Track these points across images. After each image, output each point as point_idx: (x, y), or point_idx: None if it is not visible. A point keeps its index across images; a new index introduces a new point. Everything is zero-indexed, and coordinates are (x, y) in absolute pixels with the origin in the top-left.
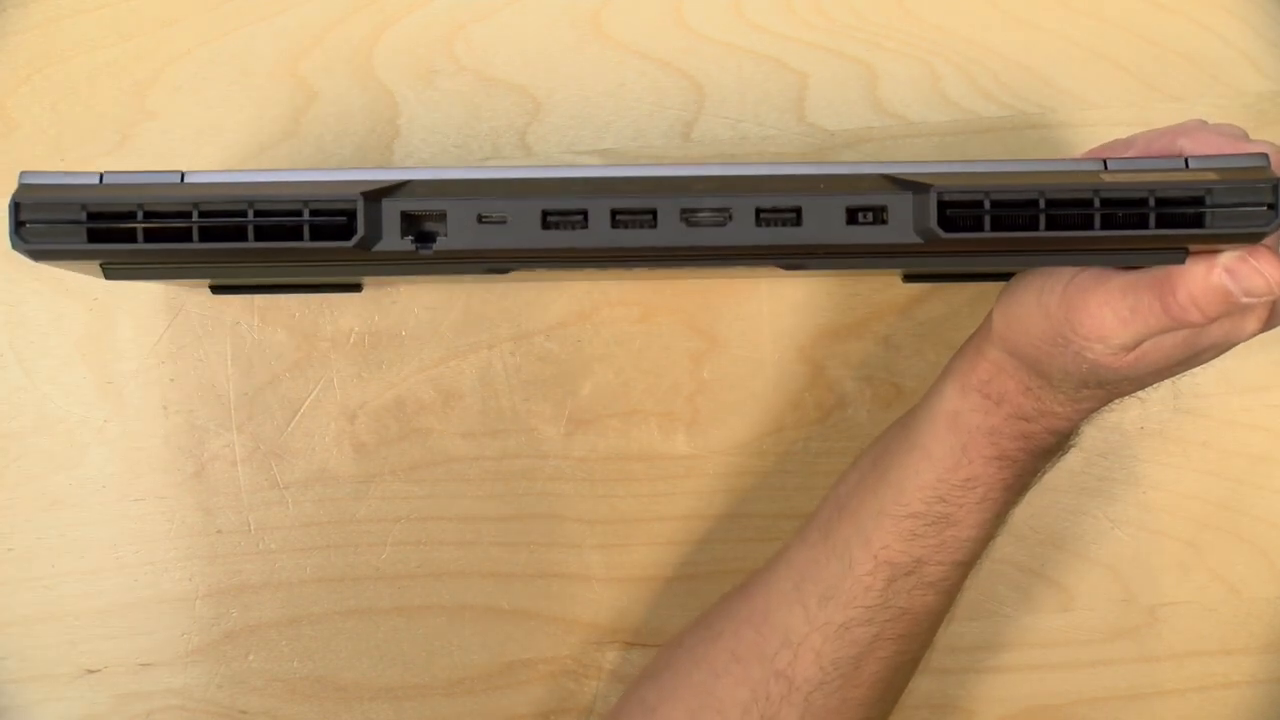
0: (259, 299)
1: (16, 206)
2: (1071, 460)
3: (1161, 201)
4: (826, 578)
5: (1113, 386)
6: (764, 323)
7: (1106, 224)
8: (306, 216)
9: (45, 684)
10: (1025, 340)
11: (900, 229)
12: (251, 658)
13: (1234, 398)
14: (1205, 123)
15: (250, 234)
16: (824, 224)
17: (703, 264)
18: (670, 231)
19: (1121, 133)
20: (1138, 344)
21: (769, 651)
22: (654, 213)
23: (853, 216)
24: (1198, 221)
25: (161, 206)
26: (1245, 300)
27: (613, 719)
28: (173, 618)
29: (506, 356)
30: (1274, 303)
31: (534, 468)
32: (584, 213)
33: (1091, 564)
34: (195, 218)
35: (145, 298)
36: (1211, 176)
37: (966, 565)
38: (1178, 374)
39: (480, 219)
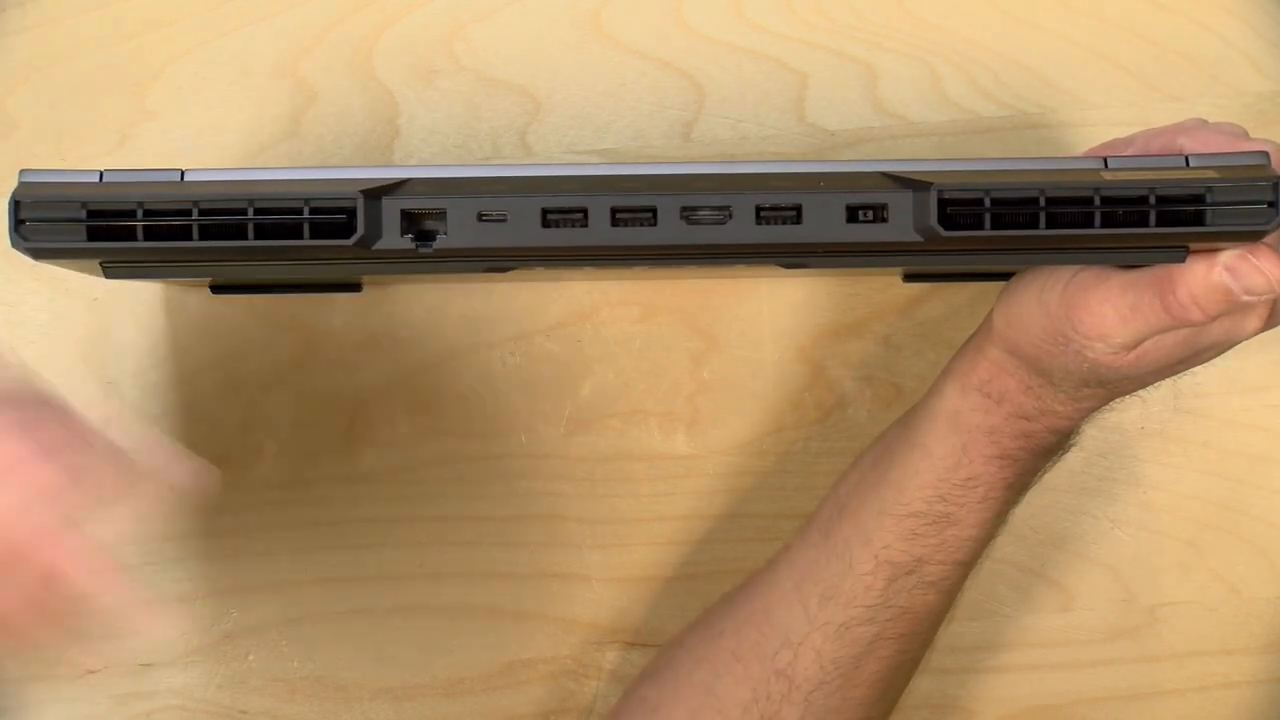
0: (259, 299)
1: (16, 204)
2: (1072, 460)
3: (1162, 199)
4: (827, 577)
5: (1114, 385)
6: (764, 323)
7: (1107, 222)
8: (306, 214)
9: (45, 684)
10: (1026, 339)
11: (900, 227)
12: (251, 658)
13: (1234, 398)
14: (1205, 121)
15: (250, 232)
16: (824, 222)
17: (703, 262)
18: (670, 229)
19: (1121, 133)
20: (1138, 342)
21: (770, 651)
22: (654, 211)
23: (853, 214)
24: (1198, 220)
25: (161, 204)
26: (1246, 298)
27: (613, 718)
28: (173, 618)
29: (506, 356)
30: (1275, 301)
31: (534, 468)
32: (584, 211)
33: (1092, 564)
34: (195, 215)
35: (145, 298)
36: (1212, 174)
37: (967, 565)
38: (1179, 373)
39: (480, 217)
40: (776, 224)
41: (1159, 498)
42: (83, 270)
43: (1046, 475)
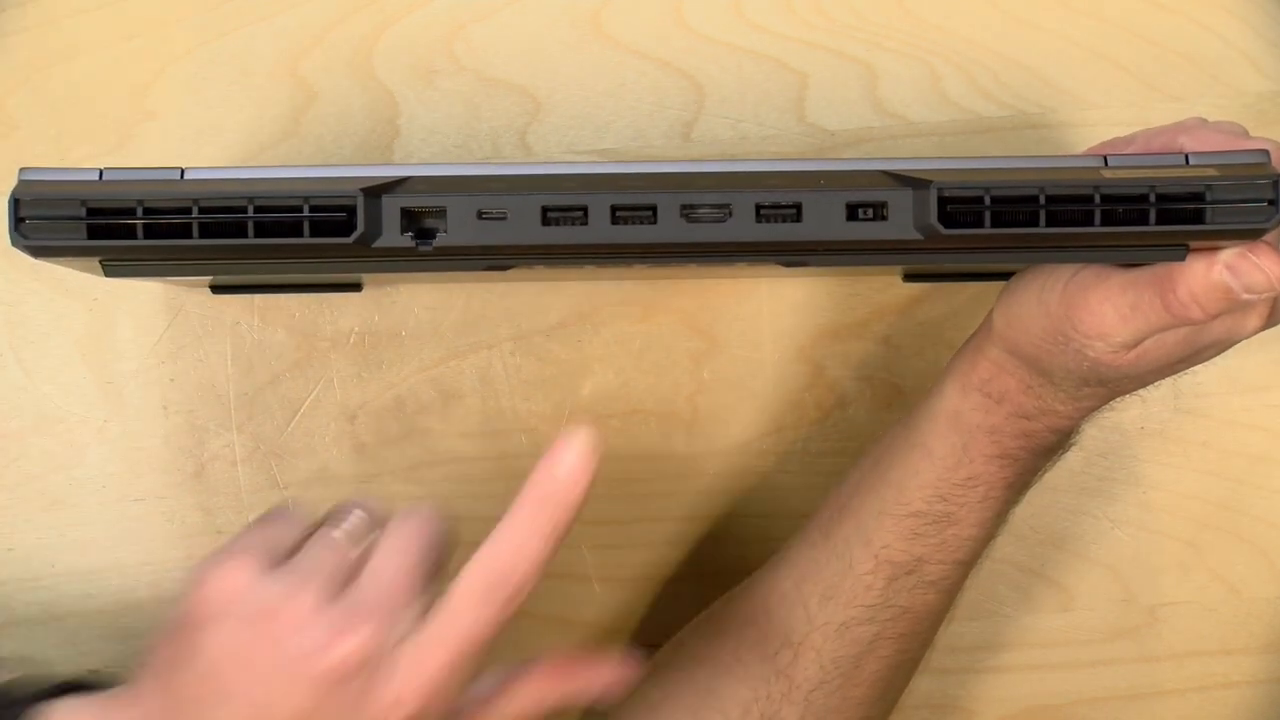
0: (259, 299)
1: (16, 203)
2: (1072, 460)
3: (1162, 198)
4: (827, 577)
5: (1114, 384)
6: (764, 323)
7: (1107, 220)
8: (306, 212)
9: None
10: (1026, 338)
11: (901, 225)
12: None
13: (1234, 398)
14: (1205, 120)
15: (250, 230)
16: (824, 220)
17: (703, 260)
18: (670, 227)
19: (1121, 132)
20: (1139, 341)
21: (770, 650)
22: (654, 209)
23: (853, 212)
24: (1198, 218)
25: (161, 202)
26: (1246, 297)
27: (614, 717)
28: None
29: (506, 356)
30: (1275, 299)
31: (534, 468)
32: (584, 209)
33: (1091, 564)
34: (195, 213)
35: (145, 297)
36: (1212, 173)
37: (967, 564)
38: (1179, 371)
39: (480, 215)
40: (776, 222)
41: (1159, 498)
42: (82, 268)
43: (1047, 475)
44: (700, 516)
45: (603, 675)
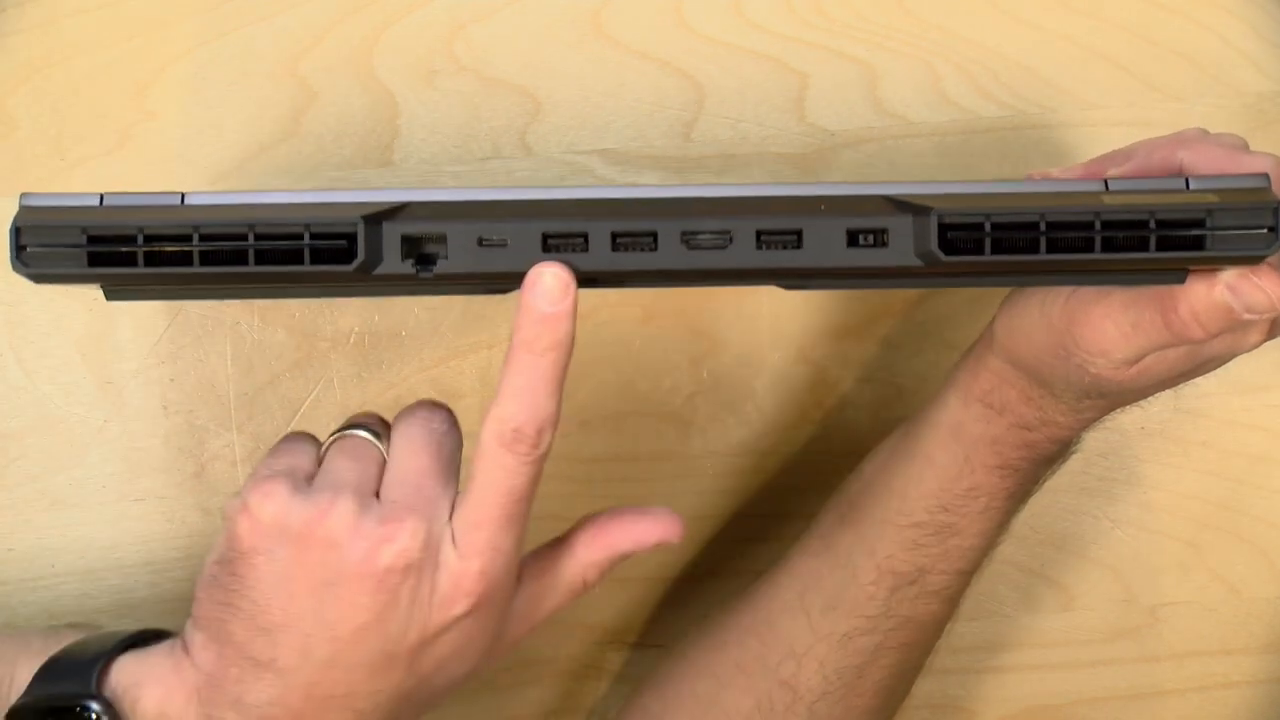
0: (259, 300)
1: (17, 231)
2: (1072, 461)
3: (1162, 224)
4: (830, 587)
5: (1115, 397)
6: (764, 323)
7: (1107, 247)
8: (307, 240)
9: None
10: (1027, 351)
11: (901, 252)
12: None
13: (1234, 398)
14: (1205, 131)
15: (250, 258)
16: (824, 246)
17: (702, 284)
18: (671, 254)
19: (1122, 132)
20: (1140, 358)
21: (773, 661)
22: (654, 235)
23: (853, 239)
24: (1198, 244)
25: (162, 230)
26: (1247, 317)
27: None
28: (173, 618)
29: None
30: (1275, 317)
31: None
32: (584, 235)
33: (1092, 564)
34: (195, 241)
35: None
36: (1212, 199)
37: (969, 573)
38: (1179, 384)
39: (481, 242)
40: (777, 249)
41: (1159, 498)
42: (84, 289)
43: (1046, 479)
44: (700, 516)
45: (658, 524)
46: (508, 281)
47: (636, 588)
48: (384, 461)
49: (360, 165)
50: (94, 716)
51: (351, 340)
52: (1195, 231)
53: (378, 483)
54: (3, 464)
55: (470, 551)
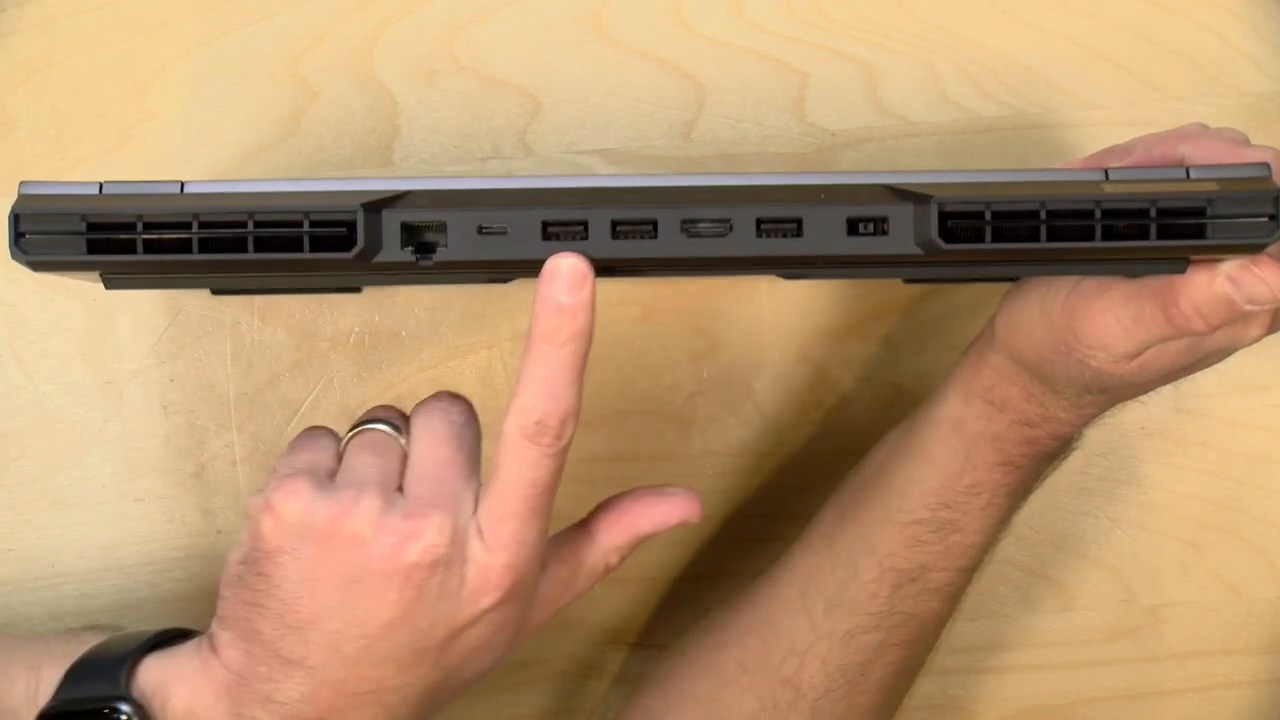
0: (259, 299)
1: (16, 218)
2: (1072, 460)
3: (1163, 212)
4: (831, 585)
5: (1116, 392)
6: (764, 323)
7: (1107, 235)
8: (306, 228)
9: None
10: (1028, 347)
11: (901, 240)
12: None
13: (1234, 398)
14: (1206, 127)
15: (250, 245)
16: (825, 235)
17: (702, 273)
18: (671, 242)
19: (1122, 132)
20: (1141, 351)
21: (775, 660)
22: (654, 223)
23: (853, 227)
24: (1199, 233)
25: (161, 217)
26: (1248, 308)
27: None
28: (172, 618)
29: (506, 356)
30: (1276, 309)
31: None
32: (584, 223)
33: (1092, 564)
34: (195, 229)
35: (144, 298)
36: (1212, 187)
37: (970, 570)
38: (1181, 378)
39: (480, 230)
40: (777, 237)
41: (1159, 498)
42: (83, 279)
43: (1047, 476)
44: (685, 526)
45: (678, 504)
46: (508, 270)
47: (636, 588)
48: (405, 456)
49: (360, 165)
50: (124, 718)
51: (351, 340)
52: (1196, 220)
53: (400, 477)
54: (3, 464)
55: (497, 545)
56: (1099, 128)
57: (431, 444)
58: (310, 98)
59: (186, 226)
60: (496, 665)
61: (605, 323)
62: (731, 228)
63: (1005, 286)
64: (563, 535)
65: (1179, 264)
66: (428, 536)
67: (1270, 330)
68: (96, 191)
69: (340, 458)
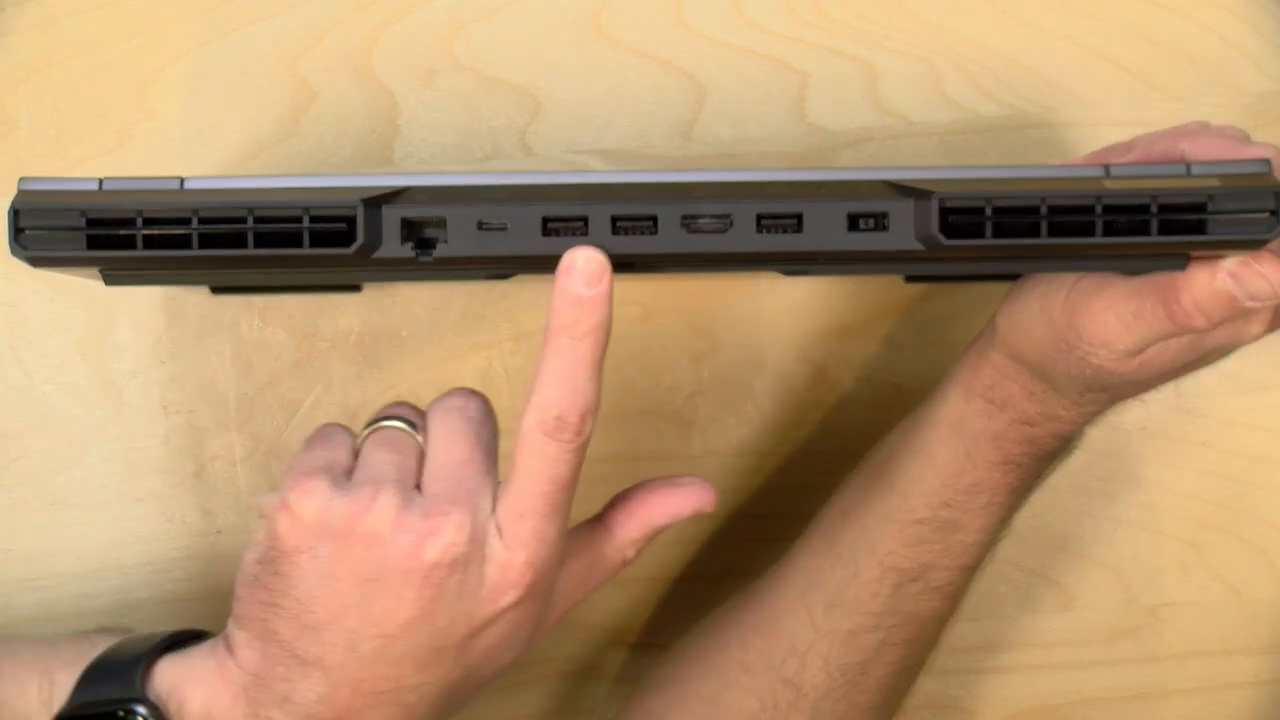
0: (259, 299)
1: (16, 213)
2: (1073, 460)
3: (1164, 208)
4: (832, 584)
5: (1117, 390)
6: (764, 323)
7: (1108, 231)
8: (306, 223)
9: None
10: (1029, 345)
11: (902, 236)
12: None
13: (1235, 398)
14: (1206, 125)
15: (250, 241)
16: (825, 230)
17: (703, 269)
18: (671, 238)
19: (1122, 132)
20: (1142, 349)
21: (776, 659)
22: (654, 219)
23: (854, 223)
24: (1199, 228)
25: (161, 213)
26: (1250, 304)
27: None
28: (172, 618)
29: (506, 356)
30: (1278, 306)
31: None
32: (584, 219)
33: (1093, 564)
34: (195, 224)
35: (144, 298)
36: (1213, 183)
37: (972, 569)
38: (1182, 376)
39: (480, 226)
40: (777, 233)
41: (1160, 498)
42: (82, 276)
43: (1048, 475)
44: (701, 516)
45: (692, 494)
46: (508, 266)
47: (636, 588)
48: (422, 452)
49: (360, 165)
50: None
51: (351, 340)
52: (1197, 215)
53: (417, 475)
54: (3, 464)
55: (516, 543)
56: (1099, 127)
57: (449, 440)
58: (310, 97)
59: (186, 222)
60: (515, 662)
61: None
62: (732, 223)
63: (1006, 285)
64: (578, 530)
65: (1180, 260)
66: (447, 535)
67: (1271, 328)
68: (96, 187)
69: (357, 455)
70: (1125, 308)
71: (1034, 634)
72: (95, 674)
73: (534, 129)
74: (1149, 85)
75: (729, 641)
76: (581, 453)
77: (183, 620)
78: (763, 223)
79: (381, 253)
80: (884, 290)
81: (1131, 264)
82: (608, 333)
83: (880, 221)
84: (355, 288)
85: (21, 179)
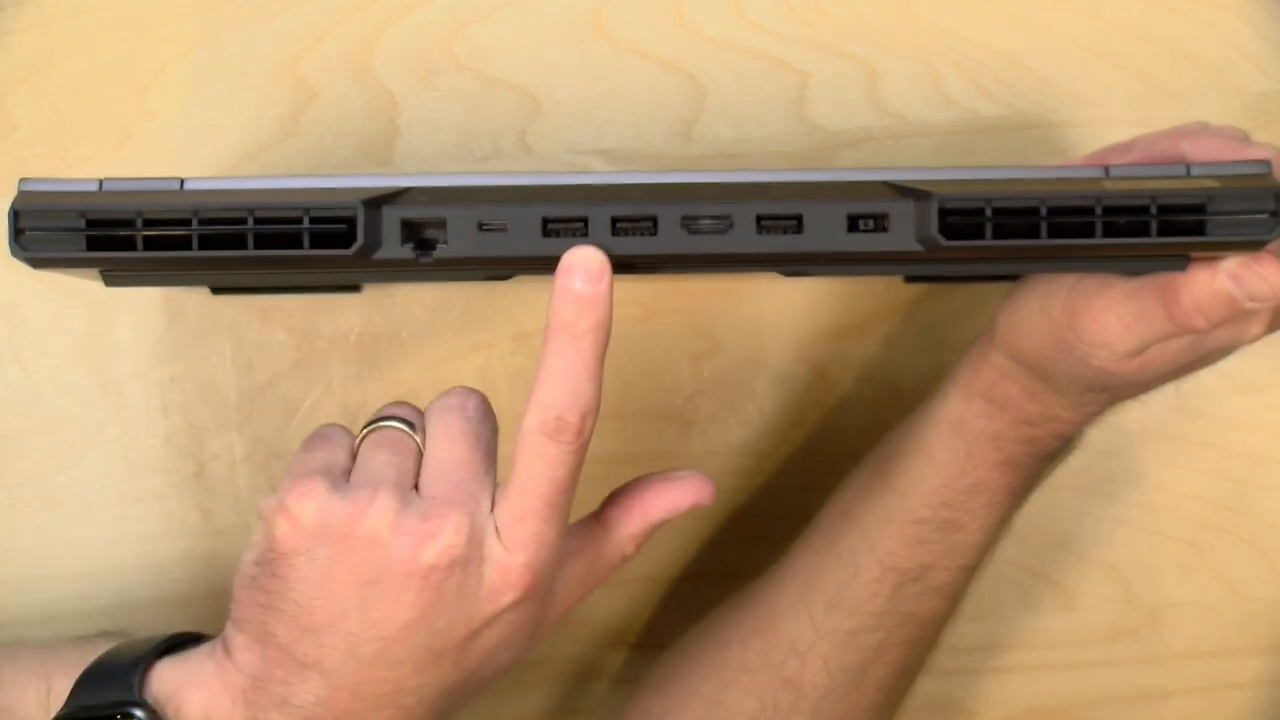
0: (259, 299)
1: (16, 214)
2: (1073, 461)
3: (1163, 209)
4: (832, 585)
5: (1117, 390)
6: (764, 323)
7: (1108, 232)
8: (306, 224)
9: None
10: (1029, 345)
11: (901, 237)
12: None
13: (1235, 398)
14: (1206, 125)
15: (250, 242)
16: (825, 231)
17: (703, 270)
18: (671, 239)
19: (1122, 132)
20: (1142, 349)
21: (776, 660)
22: (655, 220)
23: (854, 224)
24: (1199, 229)
25: (161, 214)
26: (1250, 305)
27: None
28: (172, 619)
29: (507, 356)
30: (1278, 306)
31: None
32: (584, 220)
33: (1093, 564)
34: (195, 225)
35: (144, 298)
36: (1213, 184)
37: (972, 569)
38: (1182, 377)
39: (481, 226)
40: (777, 233)
41: (1160, 498)
42: (82, 277)
43: (1048, 475)
44: (700, 516)
45: (690, 488)
46: (508, 267)
47: (636, 588)
48: (420, 453)
49: (360, 164)
50: None
51: (351, 340)
52: (1196, 216)
53: (416, 476)
54: (3, 464)
55: (515, 544)
56: (1099, 127)
57: (448, 440)
58: (310, 97)
59: (186, 223)
60: (514, 663)
61: None
62: (732, 224)
63: (1006, 286)
64: (577, 528)
65: (1180, 261)
66: (445, 537)
67: (1271, 328)
68: (96, 188)
69: (355, 456)
70: (1125, 308)
71: (1034, 634)
72: (93, 677)
73: (534, 129)
74: (1149, 85)
75: (729, 641)
76: (581, 454)
77: (182, 620)
78: (763, 223)
79: (381, 254)
80: (884, 290)
81: (1131, 265)
82: (608, 333)
83: (880, 222)
84: (355, 288)
85: (21, 179)
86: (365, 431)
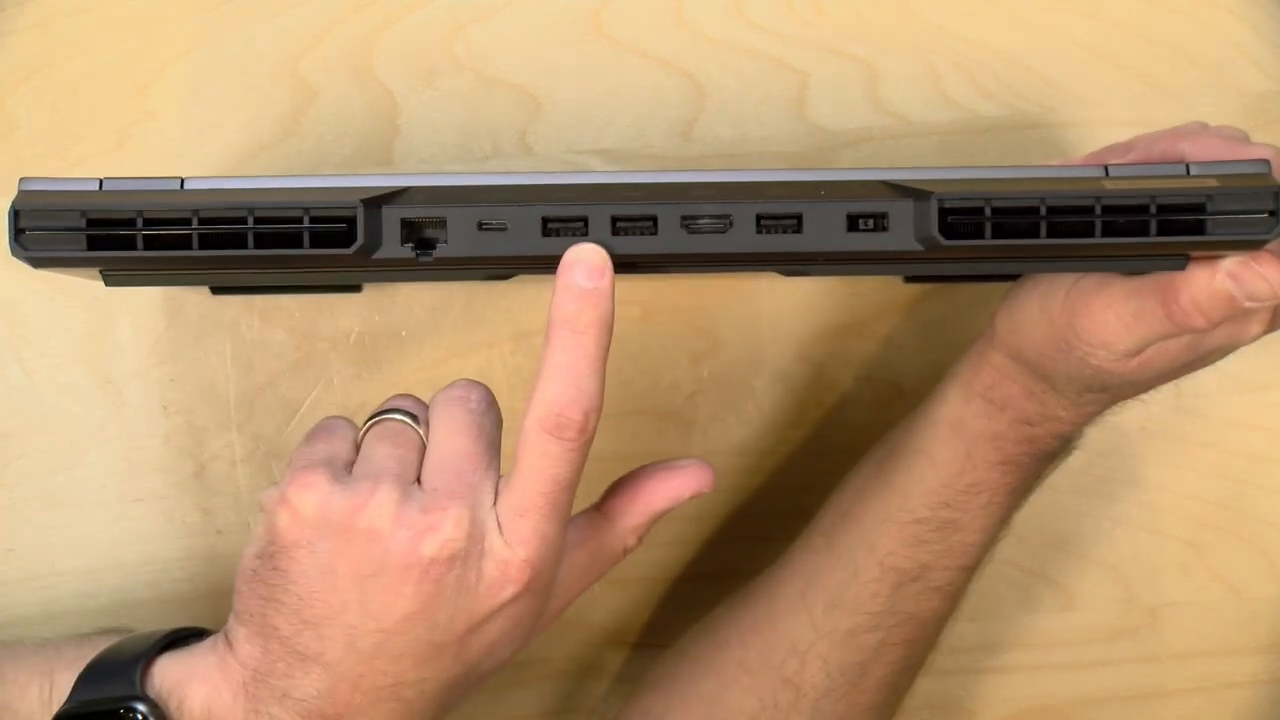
0: (259, 299)
1: (16, 214)
2: (1073, 460)
3: (1163, 209)
4: (832, 585)
5: (1117, 390)
6: (764, 323)
7: (1108, 231)
8: (306, 224)
9: None
10: (1029, 345)
11: (901, 236)
12: None
13: (1235, 398)
14: (1206, 125)
15: (250, 241)
16: (825, 231)
17: (702, 269)
18: (671, 238)
19: (1122, 132)
20: (1142, 349)
21: (776, 659)
22: (654, 219)
23: (854, 223)
24: (1199, 229)
25: (161, 213)
26: (1249, 304)
27: None
28: (172, 618)
29: (506, 356)
30: (1277, 306)
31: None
32: (584, 219)
33: (1092, 564)
34: (195, 225)
35: (144, 298)
36: (1212, 184)
37: (971, 569)
38: (1181, 376)
39: (480, 226)
40: (777, 233)
41: (1159, 498)
42: (82, 276)
43: (1048, 475)
44: (700, 516)
45: (691, 476)
46: (508, 266)
47: (636, 588)
48: (423, 446)
49: (360, 164)
50: (140, 718)
51: (351, 340)
52: (1196, 216)
53: (418, 468)
54: (3, 464)
55: (516, 540)
56: (1099, 127)
57: (451, 432)
58: (310, 97)
59: (186, 222)
60: (515, 657)
61: None
62: (731, 224)
63: (1006, 286)
64: (578, 520)
65: (1179, 260)
66: (445, 530)
67: (1271, 328)
68: (96, 188)
69: (358, 448)
70: (1125, 308)
71: (1034, 634)
72: (95, 673)
73: (534, 129)
74: (1149, 85)
75: (728, 641)
76: (584, 451)
77: (183, 620)
78: (762, 223)
79: (381, 253)
80: (884, 290)
81: (1131, 264)
82: (610, 330)
83: (880, 222)
84: (355, 288)
85: (22, 179)
86: (368, 424)
